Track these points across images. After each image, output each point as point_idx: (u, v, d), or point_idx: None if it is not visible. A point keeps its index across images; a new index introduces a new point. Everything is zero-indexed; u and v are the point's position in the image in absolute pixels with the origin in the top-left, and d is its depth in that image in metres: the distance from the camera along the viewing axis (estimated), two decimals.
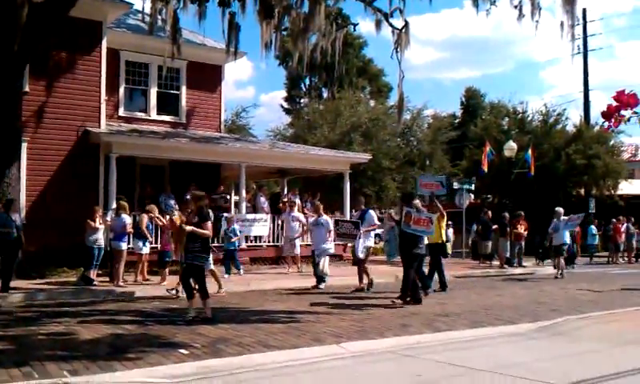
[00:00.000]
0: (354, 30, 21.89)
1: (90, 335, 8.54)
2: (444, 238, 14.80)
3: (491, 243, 22.05)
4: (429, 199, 15.78)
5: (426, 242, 12.79)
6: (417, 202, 12.84)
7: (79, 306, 11.51)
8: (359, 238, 14.02)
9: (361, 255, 14.11)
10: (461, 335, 8.90)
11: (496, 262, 21.93)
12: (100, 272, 14.65)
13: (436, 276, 14.71)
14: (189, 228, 9.74)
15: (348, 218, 19.59)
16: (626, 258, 27.74)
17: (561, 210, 19.37)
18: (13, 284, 12.88)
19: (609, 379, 6.30)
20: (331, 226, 15.05)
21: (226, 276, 15.88)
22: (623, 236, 27.20)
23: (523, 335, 8.98)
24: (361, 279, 14.31)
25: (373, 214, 14.81)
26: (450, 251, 21.25)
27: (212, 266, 12.93)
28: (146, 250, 15.15)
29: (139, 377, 6.21)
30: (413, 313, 10.98)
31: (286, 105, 54.82)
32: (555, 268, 19.13)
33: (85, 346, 7.87)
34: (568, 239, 19.23)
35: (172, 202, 18.36)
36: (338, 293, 13.72)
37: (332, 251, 15.77)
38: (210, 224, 9.87)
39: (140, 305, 11.66)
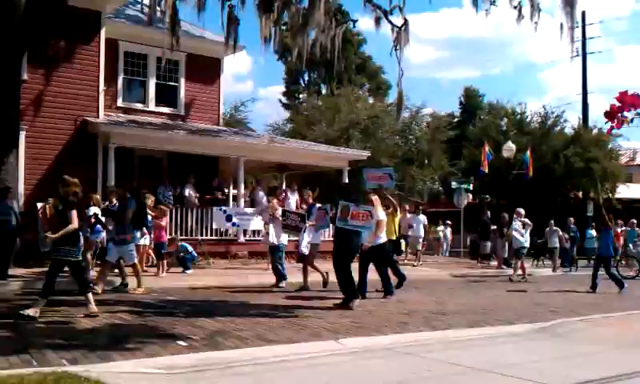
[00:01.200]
0: (354, 26, 21.98)
1: (89, 325, 8.51)
2: (397, 234, 14.00)
3: (490, 243, 22.05)
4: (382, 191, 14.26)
5: (383, 239, 12.23)
6: (374, 197, 12.25)
7: (78, 295, 11.44)
8: (303, 231, 13.25)
9: (304, 250, 13.42)
10: (459, 334, 8.87)
11: (494, 262, 21.94)
12: (98, 261, 14.61)
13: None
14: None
15: None
16: (624, 262, 27.67)
17: (521, 210, 18.50)
18: (11, 272, 12.84)
19: (607, 382, 6.29)
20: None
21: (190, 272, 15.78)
22: (622, 240, 27.12)
23: (521, 336, 8.96)
24: (306, 277, 13.62)
25: None
26: (411, 250, 21.05)
27: (135, 260, 12.40)
28: (145, 241, 15.09)
29: (137, 367, 6.18)
30: (412, 310, 10.96)
31: (284, 100, 54.80)
32: (514, 269, 18.44)
33: (84, 335, 7.84)
34: (528, 242, 18.33)
35: (170, 193, 18.37)
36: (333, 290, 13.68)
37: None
38: (74, 213, 8.96)
39: (139, 296, 11.62)
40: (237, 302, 11.48)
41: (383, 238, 12.35)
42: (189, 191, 19.06)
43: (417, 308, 11.35)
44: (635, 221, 22.89)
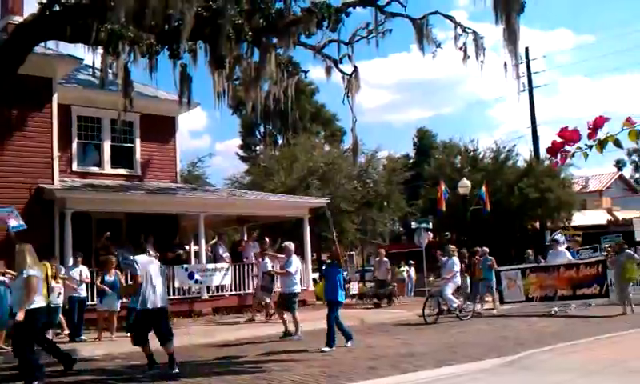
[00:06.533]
0: (305, 77, 22.22)
1: None
2: (50, 299, 11.00)
3: None
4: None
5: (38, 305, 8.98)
6: None
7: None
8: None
9: None
10: (428, 375, 8.90)
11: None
12: (58, 331, 14.33)
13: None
14: None
15: (309, 263, 19.67)
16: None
17: (290, 245, 14.38)
18: None
19: None
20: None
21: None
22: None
23: (489, 371, 9.03)
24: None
25: None
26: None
27: None
28: (115, 306, 14.84)
29: None
30: (379, 355, 10.96)
31: (241, 152, 55.00)
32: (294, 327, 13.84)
33: None
34: (299, 288, 14.36)
35: (130, 255, 18.11)
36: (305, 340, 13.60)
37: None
38: None
39: (103, 363, 11.38)
40: (202, 361, 11.33)
41: (38, 303, 9.02)
42: (149, 251, 18.82)
43: (385, 352, 11.35)
44: (487, 249, 20.12)
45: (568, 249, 20.11)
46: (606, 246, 22.12)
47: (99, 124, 20.38)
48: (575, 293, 17.36)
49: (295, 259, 14.15)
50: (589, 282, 17.07)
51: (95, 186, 18.90)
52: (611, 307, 16.78)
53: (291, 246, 14.41)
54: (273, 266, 16.76)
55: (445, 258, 17.49)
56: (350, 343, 12.03)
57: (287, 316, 13.94)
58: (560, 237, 20.21)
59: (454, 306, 16.84)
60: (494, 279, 19.17)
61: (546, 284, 17.92)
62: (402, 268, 30.29)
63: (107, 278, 14.82)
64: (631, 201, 45.64)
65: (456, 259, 17.40)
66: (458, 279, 17.41)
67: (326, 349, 11.60)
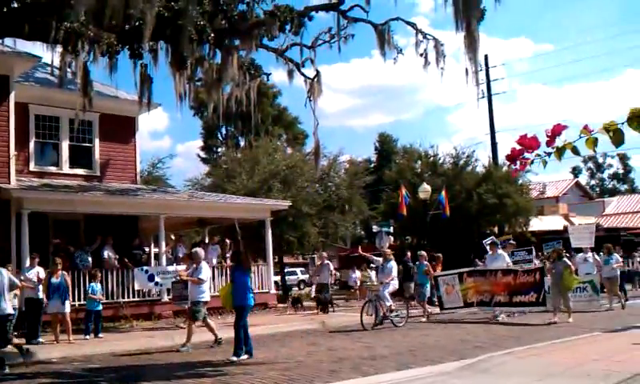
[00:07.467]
0: (268, 79, 22.16)
1: None
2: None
3: (413, 284, 22.30)
4: None
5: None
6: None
7: None
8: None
9: None
10: (389, 378, 8.94)
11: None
12: (16, 333, 14.02)
13: None
14: None
15: (271, 265, 19.60)
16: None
17: (200, 251, 14.01)
18: None
19: None
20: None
21: (87, 337, 14.98)
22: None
23: (449, 374, 9.10)
24: None
25: None
26: None
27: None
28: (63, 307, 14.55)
29: None
30: (341, 358, 10.98)
31: (202, 154, 54.70)
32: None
33: None
34: (208, 296, 13.31)
35: (89, 257, 17.92)
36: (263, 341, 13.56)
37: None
38: None
39: (61, 366, 11.17)
40: (163, 365, 11.19)
41: None
42: (107, 253, 18.59)
43: (347, 354, 11.37)
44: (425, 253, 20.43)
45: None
46: (548, 252, 21.97)
47: (57, 123, 20.04)
48: (512, 300, 17.11)
49: (205, 266, 13.53)
50: (526, 290, 16.83)
51: (53, 185, 18.58)
52: (544, 314, 16.63)
53: (201, 252, 13.93)
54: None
55: (384, 262, 17.15)
56: (246, 356, 11.03)
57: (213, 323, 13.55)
58: (496, 240, 20.50)
59: (387, 304, 16.32)
60: (428, 285, 19.25)
61: (483, 289, 17.66)
62: (366, 272, 30.43)
63: (53, 279, 14.53)
64: (587, 207, 46.67)
65: (394, 263, 17.26)
66: (396, 282, 17.30)
67: (234, 358, 10.84)
